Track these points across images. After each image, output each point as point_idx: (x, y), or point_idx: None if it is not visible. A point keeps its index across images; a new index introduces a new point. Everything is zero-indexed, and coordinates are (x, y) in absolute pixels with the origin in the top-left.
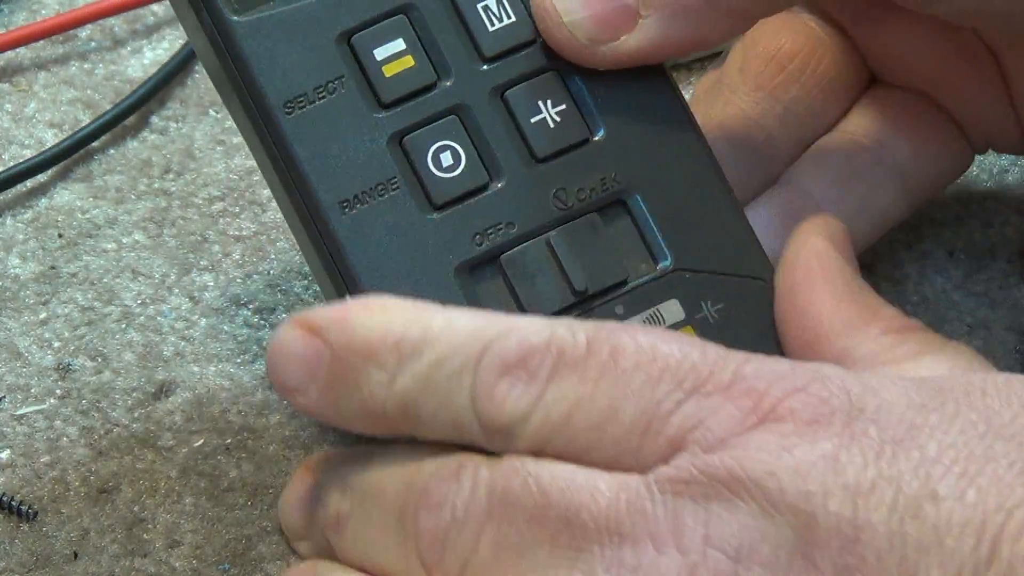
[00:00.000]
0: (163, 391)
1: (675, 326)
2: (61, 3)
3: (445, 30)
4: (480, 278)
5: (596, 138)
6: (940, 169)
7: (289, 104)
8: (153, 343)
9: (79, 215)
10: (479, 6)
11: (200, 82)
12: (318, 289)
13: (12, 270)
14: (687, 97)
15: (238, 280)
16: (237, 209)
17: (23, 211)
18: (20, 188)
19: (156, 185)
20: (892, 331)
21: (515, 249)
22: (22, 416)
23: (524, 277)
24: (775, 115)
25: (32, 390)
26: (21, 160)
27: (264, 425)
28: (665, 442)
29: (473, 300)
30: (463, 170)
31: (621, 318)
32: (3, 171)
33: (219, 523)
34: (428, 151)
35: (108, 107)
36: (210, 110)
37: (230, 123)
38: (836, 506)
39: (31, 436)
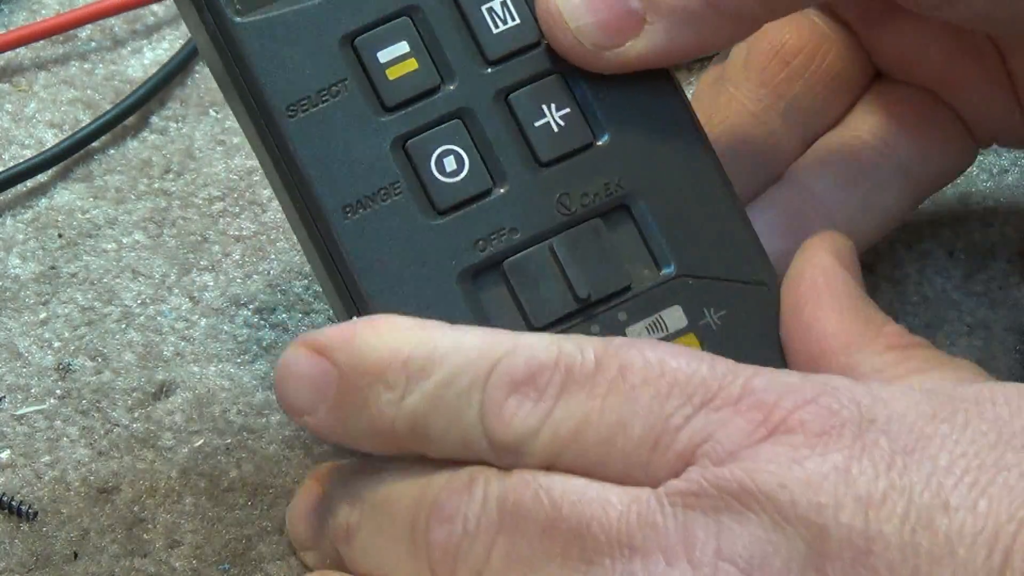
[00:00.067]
0: (163, 391)
1: (678, 333)
2: (61, 3)
3: (449, 32)
4: (483, 284)
5: (600, 143)
6: (944, 166)
7: (292, 107)
8: (153, 343)
9: (79, 215)
10: (483, 8)
11: (200, 82)
12: (318, 289)
13: (12, 270)
14: (689, 95)
15: (238, 280)
16: (237, 209)
17: (23, 211)
18: (20, 188)
19: (156, 185)
20: (897, 347)
21: (518, 255)
22: (22, 416)
23: (527, 284)
24: (778, 111)
25: (32, 390)
26: (21, 160)
27: (264, 425)
28: (675, 456)
29: (476, 307)
30: (466, 175)
31: (624, 324)
32: (3, 171)
33: (219, 523)
34: (431, 155)
35: (108, 107)
36: (210, 110)
37: (230, 123)
38: (848, 518)
39: (31, 436)
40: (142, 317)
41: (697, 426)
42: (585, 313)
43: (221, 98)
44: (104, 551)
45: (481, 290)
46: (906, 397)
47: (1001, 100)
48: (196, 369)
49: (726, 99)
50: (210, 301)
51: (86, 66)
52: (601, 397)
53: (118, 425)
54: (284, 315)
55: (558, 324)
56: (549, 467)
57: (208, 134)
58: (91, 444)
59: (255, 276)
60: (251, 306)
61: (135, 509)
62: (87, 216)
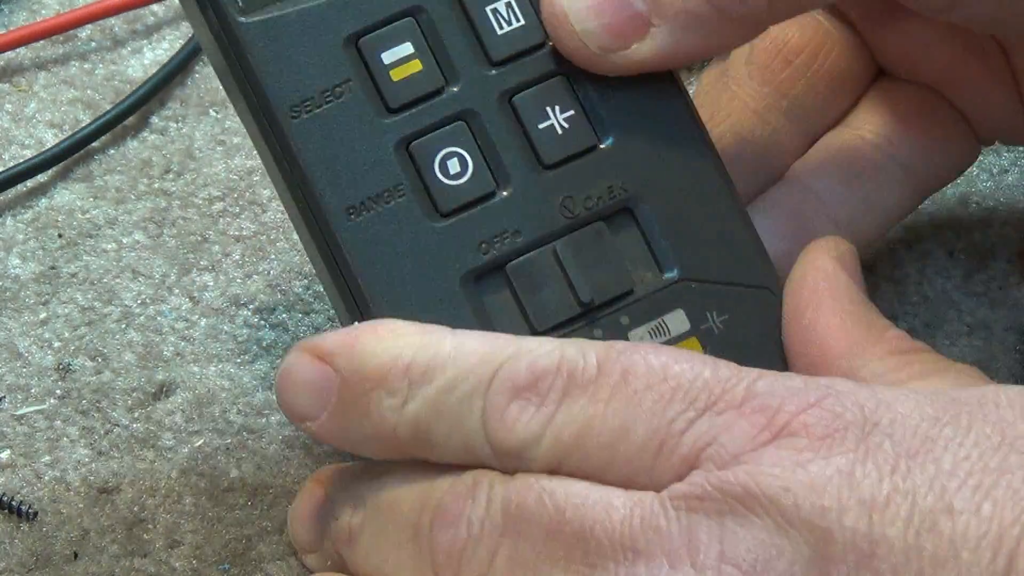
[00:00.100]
0: (163, 391)
1: (680, 337)
2: (61, 3)
3: (453, 33)
4: (485, 287)
5: (603, 145)
6: (947, 164)
7: (296, 108)
8: (153, 343)
9: (79, 215)
10: (488, 8)
11: (200, 82)
12: (318, 289)
13: (12, 270)
14: (691, 93)
15: (238, 280)
16: (237, 209)
17: (23, 211)
18: (20, 188)
19: (156, 185)
20: (898, 352)
21: (521, 259)
22: (22, 416)
23: (530, 287)
24: (781, 109)
25: (32, 390)
26: (21, 160)
27: (264, 425)
28: (679, 460)
29: (478, 310)
30: (470, 177)
31: (626, 328)
32: (3, 171)
33: (219, 523)
34: (435, 158)
35: (108, 107)
36: (210, 110)
37: (230, 123)
38: (852, 521)
39: (31, 436)
40: (142, 317)
41: (701, 430)
42: (588, 317)
43: (221, 98)
44: (104, 551)
45: (484, 293)
46: (910, 400)
47: (1005, 98)
48: (196, 369)
49: (728, 97)
50: (210, 301)
51: (86, 66)
52: (604, 402)
53: (118, 425)
54: (284, 315)
55: (561, 328)
56: (552, 472)
57: (208, 134)
58: (91, 444)
59: (255, 276)
60: (251, 306)
61: (135, 509)
62: (87, 216)
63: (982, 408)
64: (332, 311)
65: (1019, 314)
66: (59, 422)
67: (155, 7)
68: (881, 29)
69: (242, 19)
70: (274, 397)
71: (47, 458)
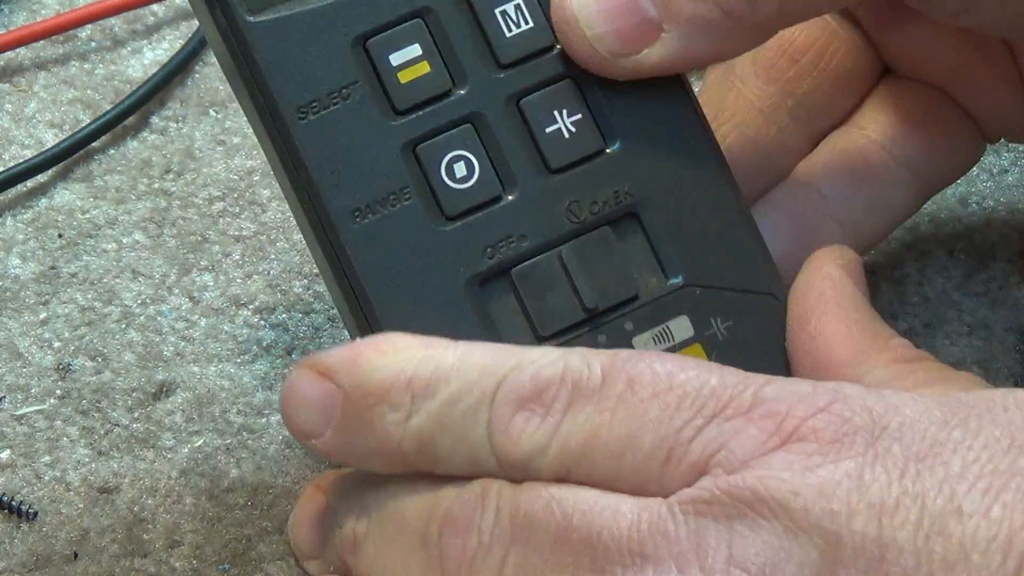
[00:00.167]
0: (163, 391)
1: (684, 343)
2: (61, 3)
3: (462, 35)
4: (490, 292)
5: (610, 150)
6: (951, 163)
7: (303, 109)
8: (153, 343)
9: (79, 215)
10: (497, 11)
11: (200, 82)
12: (318, 289)
13: (12, 270)
14: (696, 91)
15: (238, 280)
16: (237, 209)
17: (23, 211)
18: (20, 188)
19: (156, 185)
20: (903, 360)
21: (526, 264)
22: (22, 416)
23: (535, 292)
24: (786, 108)
25: (32, 390)
26: (21, 160)
27: (264, 425)
28: (688, 468)
29: (483, 315)
30: (476, 181)
31: (630, 334)
32: (3, 171)
33: (219, 523)
34: (442, 161)
35: (108, 107)
36: (210, 110)
37: (230, 123)
38: (861, 525)
39: (31, 436)
40: (142, 317)
41: (709, 437)
42: (592, 322)
43: (221, 98)
44: (104, 551)
45: (488, 298)
46: (918, 404)
47: (1012, 97)
48: (196, 369)
49: (733, 95)
50: (210, 301)
51: (86, 66)
52: (610, 411)
53: (118, 425)
54: (284, 315)
55: (565, 333)
56: (560, 482)
57: (208, 134)
58: (91, 444)
59: (255, 276)
60: (251, 306)
61: (135, 509)
62: (87, 216)
63: (991, 411)
64: (332, 311)
65: (1019, 314)
66: (59, 422)
67: (155, 7)
68: (887, 29)
69: (250, 18)
70: (274, 397)
71: (47, 458)
